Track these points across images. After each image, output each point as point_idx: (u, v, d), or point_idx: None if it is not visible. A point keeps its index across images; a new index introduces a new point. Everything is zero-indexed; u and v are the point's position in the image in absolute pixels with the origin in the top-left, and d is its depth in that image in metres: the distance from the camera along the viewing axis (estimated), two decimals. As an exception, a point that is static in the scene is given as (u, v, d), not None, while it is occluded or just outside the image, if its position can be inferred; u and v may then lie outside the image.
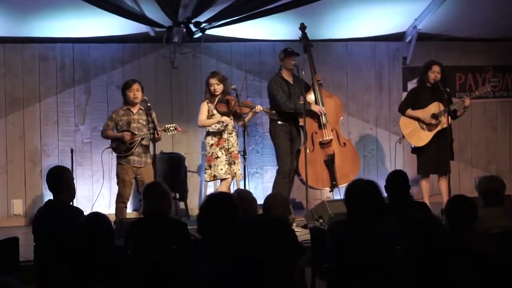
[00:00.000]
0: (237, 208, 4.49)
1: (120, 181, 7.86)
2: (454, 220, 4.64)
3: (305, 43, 8.61)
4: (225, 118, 8.12)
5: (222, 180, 8.19)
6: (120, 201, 7.85)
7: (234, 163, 8.21)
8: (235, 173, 8.22)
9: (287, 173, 8.45)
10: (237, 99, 8.04)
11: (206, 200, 4.63)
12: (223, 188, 8.05)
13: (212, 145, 8.18)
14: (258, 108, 8.29)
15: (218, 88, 8.18)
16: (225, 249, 4.03)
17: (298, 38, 8.69)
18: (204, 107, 8.25)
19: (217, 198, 4.62)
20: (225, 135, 8.18)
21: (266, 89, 8.71)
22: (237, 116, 8.21)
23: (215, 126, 8.18)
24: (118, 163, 7.89)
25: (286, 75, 8.51)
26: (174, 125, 7.96)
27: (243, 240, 3.52)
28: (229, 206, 4.48)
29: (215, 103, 8.20)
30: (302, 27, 8.64)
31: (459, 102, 8.50)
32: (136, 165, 7.83)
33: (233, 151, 8.23)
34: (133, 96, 7.84)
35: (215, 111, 8.20)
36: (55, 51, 9.28)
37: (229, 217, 4.41)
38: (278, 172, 8.55)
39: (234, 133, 8.26)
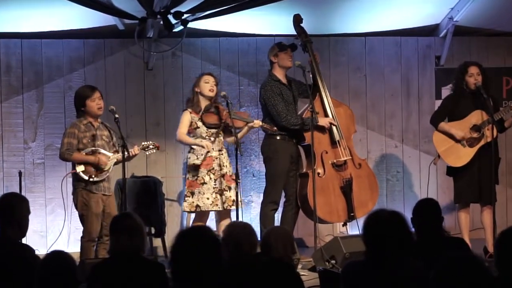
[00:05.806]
0: (218, 245, 4.50)
1: (90, 214, 7.65)
2: (505, 260, 4.65)
3: (304, 39, 8.52)
4: (205, 143, 8.01)
5: (200, 212, 8.06)
6: (88, 239, 7.69)
7: (229, 188, 8.07)
8: (232, 201, 8.04)
9: (277, 205, 8.38)
10: (228, 109, 7.99)
11: (177, 238, 4.55)
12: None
13: (198, 166, 8.08)
14: (257, 123, 8.17)
15: (214, 88, 8.13)
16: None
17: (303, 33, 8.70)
18: (186, 118, 8.17)
19: (191, 234, 4.59)
20: (214, 153, 8.10)
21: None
22: (227, 131, 8.17)
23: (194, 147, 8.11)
24: (85, 190, 7.68)
25: (281, 76, 8.47)
26: (151, 142, 7.97)
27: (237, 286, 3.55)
28: (208, 243, 4.47)
29: (200, 113, 8.13)
30: (297, 20, 8.50)
31: (506, 108, 8.55)
32: (107, 192, 7.77)
33: (226, 172, 8.10)
34: (97, 106, 7.79)
35: (199, 123, 8.13)
36: (-2, 48, 9.35)
37: (210, 257, 4.41)
38: (265, 202, 8.42)
39: (224, 149, 8.20)
